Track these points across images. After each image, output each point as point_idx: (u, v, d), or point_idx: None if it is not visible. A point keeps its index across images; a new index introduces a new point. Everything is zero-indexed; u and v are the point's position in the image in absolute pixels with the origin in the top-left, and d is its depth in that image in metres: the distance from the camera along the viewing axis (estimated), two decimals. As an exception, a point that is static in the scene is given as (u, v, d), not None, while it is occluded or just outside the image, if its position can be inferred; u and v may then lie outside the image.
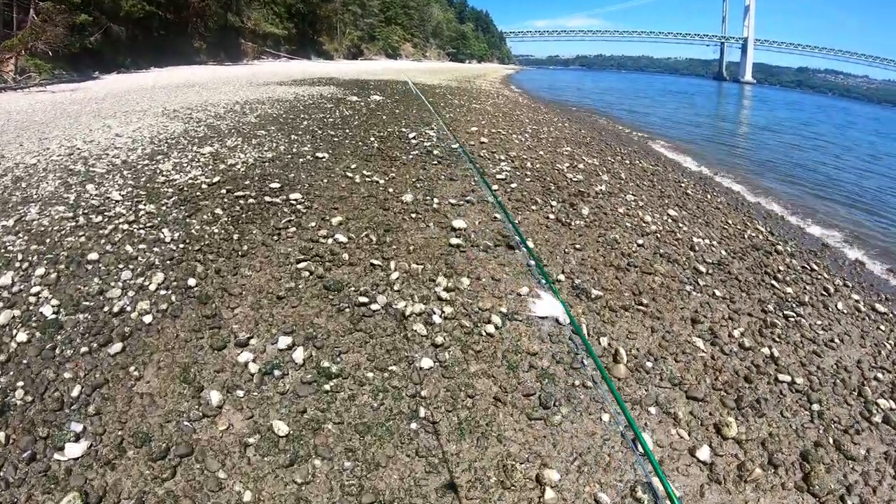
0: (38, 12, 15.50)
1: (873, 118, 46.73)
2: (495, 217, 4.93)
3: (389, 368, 2.82)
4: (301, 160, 6.24)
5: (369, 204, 5.00)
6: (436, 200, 5.22)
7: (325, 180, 5.54)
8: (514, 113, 13.73)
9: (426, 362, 2.90)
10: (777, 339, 3.68)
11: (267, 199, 4.86)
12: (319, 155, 6.50)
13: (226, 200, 4.77)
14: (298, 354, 2.84)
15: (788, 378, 3.20)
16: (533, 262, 4.04)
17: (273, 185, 5.20)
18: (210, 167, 5.65)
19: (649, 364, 3.12)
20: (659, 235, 5.30)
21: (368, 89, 15.59)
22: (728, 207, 7.48)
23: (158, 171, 5.41)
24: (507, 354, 3.02)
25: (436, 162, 6.71)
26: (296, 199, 4.91)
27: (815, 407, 3.00)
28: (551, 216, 5.25)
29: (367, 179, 5.71)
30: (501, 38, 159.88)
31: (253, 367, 2.74)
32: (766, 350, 3.51)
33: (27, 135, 6.96)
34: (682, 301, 3.99)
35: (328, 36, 50.92)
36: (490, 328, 3.23)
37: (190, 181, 5.17)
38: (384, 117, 9.92)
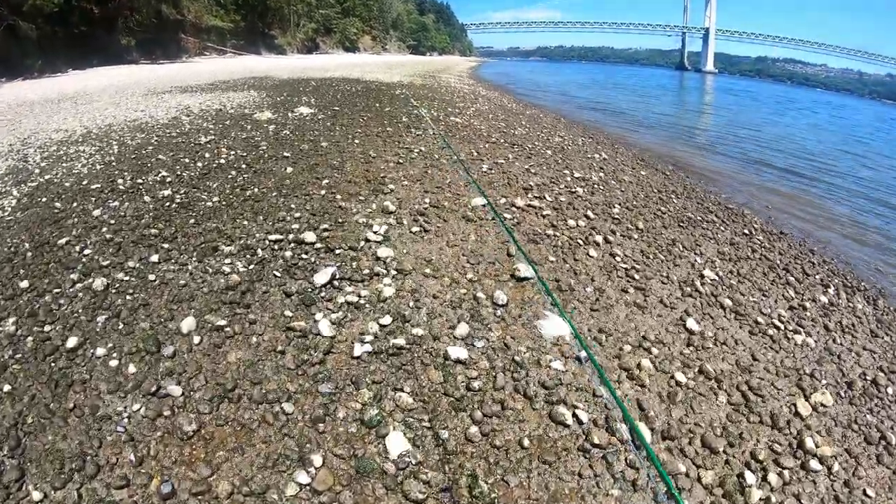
0: None
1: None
2: None
3: None
4: None
5: None
6: None
7: None
8: (516, 132, 9.43)
9: None
10: None
11: None
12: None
13: None
14: None
15: None
16: None
17: None
18: None
19: None
20: None
21: (301, 94, 11.09)
22: None
23: None
24: None
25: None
26: None
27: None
28: None
29: None
30: (462, 30, 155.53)
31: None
32: None
33: None
34: None
35: (280, 29, 46.29)
36: None
37: None
38: (287, 170, 5.35)
